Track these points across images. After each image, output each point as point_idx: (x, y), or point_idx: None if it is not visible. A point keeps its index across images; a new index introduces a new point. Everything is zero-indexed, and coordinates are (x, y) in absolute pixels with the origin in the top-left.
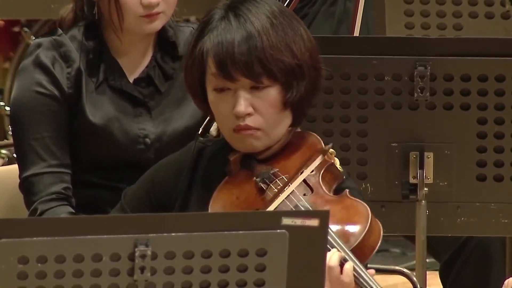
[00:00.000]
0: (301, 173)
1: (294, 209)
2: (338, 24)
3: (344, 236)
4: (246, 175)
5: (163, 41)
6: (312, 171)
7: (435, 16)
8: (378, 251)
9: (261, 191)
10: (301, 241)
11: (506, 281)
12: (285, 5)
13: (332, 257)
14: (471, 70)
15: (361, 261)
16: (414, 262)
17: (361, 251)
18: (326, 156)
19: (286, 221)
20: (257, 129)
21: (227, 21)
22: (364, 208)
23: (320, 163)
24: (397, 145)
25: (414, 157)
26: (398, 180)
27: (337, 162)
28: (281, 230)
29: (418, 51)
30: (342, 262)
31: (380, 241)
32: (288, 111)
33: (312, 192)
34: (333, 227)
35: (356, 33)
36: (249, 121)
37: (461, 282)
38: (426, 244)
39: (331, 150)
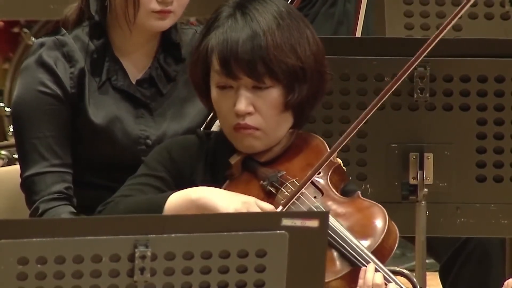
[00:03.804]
0: (312, 175)
1: None
2: (337, 25)
3: (363, 238)
4: (250, 178)
5: (167, 43)
6: (319, 172)
7: (434, 17)
8: None
9: (270, 195)
10: (301, 242)
11: (505, 282)
12: None
13: (376, 275)
14: (471, 71)
15: (381, 263)
16: (414, 263)
17: (381, 253)
18: (332, 158)
19: (286, 222)
20: (256, 128)
21: (234, 19)
22: (380, 209)
23: (327, 164)
24: (396, 146)
25: (413, 158)
26: (398, 181)
27: (340, 162)
28: (280, 231)
29: (417, 52)
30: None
31: (397, 242)
32: (289, 113)
33: (322, 194)
34: (350, 229)
35: (358, 33)
36: (248, 120)
37: (460, 282)
38: (426, 245)
39: None
